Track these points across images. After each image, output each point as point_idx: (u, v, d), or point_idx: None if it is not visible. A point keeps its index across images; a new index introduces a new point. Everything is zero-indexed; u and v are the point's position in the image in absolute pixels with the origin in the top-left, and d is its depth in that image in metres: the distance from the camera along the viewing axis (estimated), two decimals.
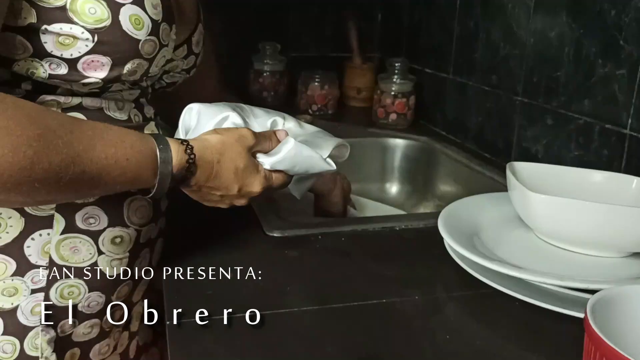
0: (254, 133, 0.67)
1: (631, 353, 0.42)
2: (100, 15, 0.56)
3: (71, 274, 0.62)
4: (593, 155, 0.90)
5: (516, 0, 1.07)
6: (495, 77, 1.14)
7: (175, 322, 0.58)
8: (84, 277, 0.63)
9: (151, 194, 0.60)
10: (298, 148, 0.69)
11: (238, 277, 0.67)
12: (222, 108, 0.70)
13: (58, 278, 0.62)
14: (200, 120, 0.69)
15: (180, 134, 0.70)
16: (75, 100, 0.61)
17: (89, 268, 0.63)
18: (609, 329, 0.46)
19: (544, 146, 1.01)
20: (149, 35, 0.60)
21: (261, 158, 0.68)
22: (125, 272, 0.67)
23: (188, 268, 0.69)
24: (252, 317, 0.59)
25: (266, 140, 0.69)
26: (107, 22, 0.57)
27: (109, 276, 0.65)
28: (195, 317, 0.59)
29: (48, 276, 0.61)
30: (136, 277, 0.69)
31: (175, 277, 0.67)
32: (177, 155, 0.59)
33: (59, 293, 0.62)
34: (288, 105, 1.45)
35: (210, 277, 0.67)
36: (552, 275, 0.61)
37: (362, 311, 0.62)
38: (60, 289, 0.62)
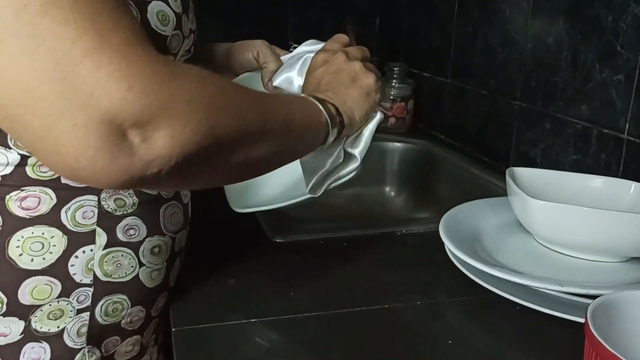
0: (325, 48, 0.76)
1: (631, 358, 0.43)
2: None
3: (114, 290, 0.60)
4: (591, 159, 0.91)
5: (514, 5, 1.08)
6: (494, 81, 1.15)
7: (180, 328, 0.59)
8: (127, 292, 0.61)
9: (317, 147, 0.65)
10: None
11: (242, 283, 0.68)
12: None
13: (103, 295, 0.60)
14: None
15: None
16: None
17: (132, 281, 0.61)
18: (609, 333, 0.46)
19: (542, 150, 1.02)
20: (174, 29, 0.58)
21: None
22: (162, 283, 0.65)
23: (192, 274, 0.69)
24: (254, 324, 0.60)
25: (336, 42, 0.77)
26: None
27: (150, 288, 0.63)
28: (200, 324, 0.59)
29: (93, 294, 0.59)
30: (170, 288, 0.67)
31: (180, 284, 0.68)
32: (329, 110, 0.64)
33: (103, 311, 0.60)
34: None
35: (214, 283, 0.68)
36: (553, 281, 0.62)
37: (365, 316, 0.62)
38: (104, 306, 0.60)
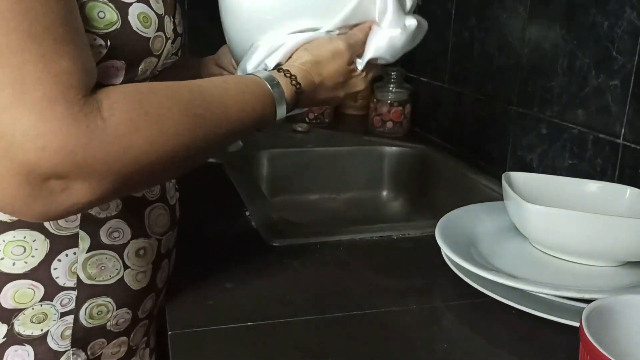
0: (348, 43, 0.70)
1: None
2: (110, 18, 0.54)
3: (98, 293, 0.60)
4: (587, 164, 0.91)
5: (511, 11, 1.08)
6: (490, 86, 1.16)
7: (176, 332, 0.59)
8: (112, 294, 0.61)
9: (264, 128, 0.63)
10: (382, 38, 0.72)
11: (238, 286, 0.68)
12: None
13: (87, 298, 0.59)
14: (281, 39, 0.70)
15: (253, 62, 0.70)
16: None
17: (116, 284, 0.61)
18: (604, 338, 0.47)
19: (538, 155, 1.02)
20: (157, 31, 0.58)
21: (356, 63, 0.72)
22: (149, 285, 0.65)
23: (189, 277, 0.69)
24: (251, 327, 0.60)
25: (358, 44, 0.72)
26: (118, 25, 0.54)
27: (135, 290, 0.63)
28: (196, 327, 0.59)
29: (77, 297, 0.59)
30: (158, 289, 0.67)
31: (176, 287, 0.68)
32: (287, 89, 0.63)
33: (88, 314, 0.60)
34: None
35: (210, 286, 0.68)
36: (548, 285, 0.62)
37: (361, 321, 0.62)
38: (89, 309, 0.60)
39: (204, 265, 0.73)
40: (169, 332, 0.59)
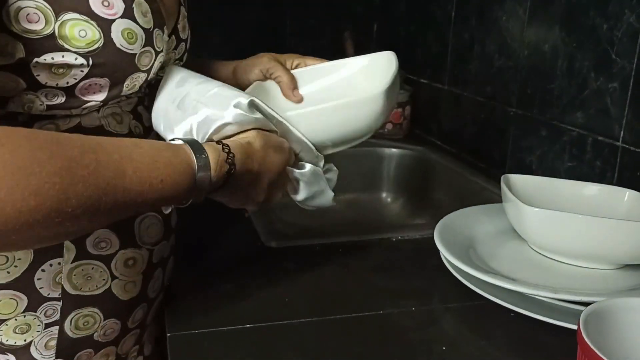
0: (291, 148, 0.63)
1: None
2: (92, 36, 0.52)
3: (85, 303, 0.59)
4: (586, 166, 0.92)
5: (510, 13, 1.09)
6: (490, 88, 1.16)
7: (175, 334, 0.59)
8: (99, 305, 0.60)
9: (184, 205, 0.55)
10: (322, 184, 0.67)
11: (237, 288, 0.68)
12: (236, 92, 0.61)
13: (72, 309, 0.58)
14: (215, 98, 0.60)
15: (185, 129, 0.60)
16: (74, 121, 0.57)
17: (104, 294, 0.60)
18: (602, 341, 0.47)
19: (538, 157, 1.02)
20: (144, 47, 0.56)
21: (289, 169, 0.64)
22: (139, 295, 0.64)
23: (188, 279, 0.69)
24: (250, 329, 0.60)
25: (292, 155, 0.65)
26: (100, 43, 0.52)
27: (124, 301, 0.62)
28: (195, 329, 0.59)
29: (62, 308, 0.58)
30: (150, 299, 0.66)
31: (176, 289, 0.68)
32: (215, 162, 0.53)
33: (74, 324, 0.59)
34: None
35: (209, 289, 0.68)
36: (546, 288, 0.62)
37: (359, 323, 0.62)
38: (75, 319, 0.59)
39: (204, 267, 0.73)
40: (168, 335, 0.59)
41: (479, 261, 0.70)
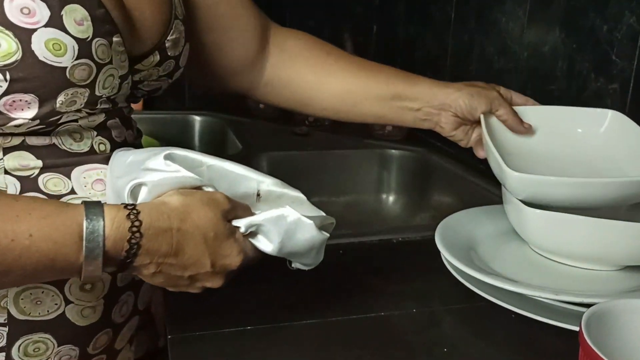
0: (229, 198, 0.53)
1: None
2: (7, 48, 0.47)
3: (34, 329, 0.55)
4: None
5: (510, 14, 1.09)
6: None
7: (176, 336, 0.59)
8: (52, 331, 0.56)
9: (82, 278, 0.47)
10: (285, 210, 0.54)
11: (237, 290, 0.68)
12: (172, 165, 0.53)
13: (20, 334, 0.54)
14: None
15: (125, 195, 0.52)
16: (16, 140, 0.53)
17: (56, 320, 0.56)
18: (604, 342, 0.47)
19: None
20: (77, 59, 0.50)
21: (235, 221, 0.54)
22: (101, 321, 0.59)
23: None
24: (251, 331, 0.60)
25: (244, 210, 0.55)
26: (18, 56, 0.47)
27: (82, 327, 0.58)
28: (195, 331, 0.59)
29: (8, 334, 0.54)
30: (117, 324, 0.62)
31: (175, 292, 0.68)
32: (113, 223, 0.46)
33: (22, 351, 0.55)
34: (285, 116, 1.46)
35: (209, 290, 0.67)
36: (547, 289, 0.62)
37: (361, 324, 0.62)
38: (23, 346, 0.55)
39: None
40: (168, 336, 0.59)
41: (480, 262, 0.70)
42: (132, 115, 0.68)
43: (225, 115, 1.47)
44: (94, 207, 0.47)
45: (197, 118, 1.51)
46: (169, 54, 0.64)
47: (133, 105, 0.69)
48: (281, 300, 0.66)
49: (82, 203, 0.48)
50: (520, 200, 0.70)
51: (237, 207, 0.53)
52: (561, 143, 0.80)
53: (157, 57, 0.63)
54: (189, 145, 1.50)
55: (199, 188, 0.53)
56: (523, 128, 0.79)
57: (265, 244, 0.55)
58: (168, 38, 0.63)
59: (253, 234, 0.54)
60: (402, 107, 0.82)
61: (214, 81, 0.82)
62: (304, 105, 0.84)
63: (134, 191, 0.51)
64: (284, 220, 0.53)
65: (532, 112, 0.82)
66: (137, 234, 0.47)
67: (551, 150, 0.79)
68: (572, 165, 0.76)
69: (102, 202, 0.49)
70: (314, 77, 0.81)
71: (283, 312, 0.64)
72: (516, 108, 0.81)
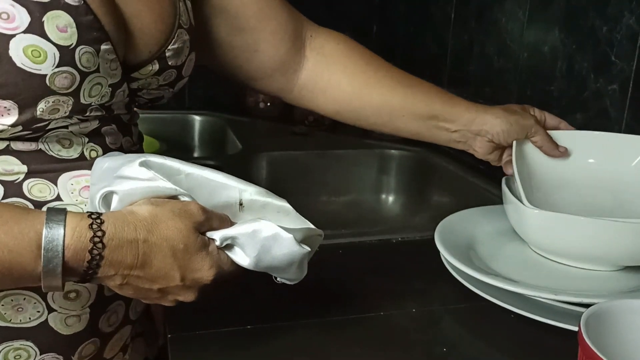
0: (204, 209, 0.50)
1: None
2: None
3: (16, 336, 0.54)
4: None
5: (510, 14, 1.09)
6: (489, 89, 1.16)
7: (175, 335, 0.59)
8: (33, 338, 0.54)
9: (42, 288, 0.46)
10: (261, 224, 0.51)
11: (238, 289, 0.68)
12: (147, 172, 0.50)
13: (1, 341, 0.53)
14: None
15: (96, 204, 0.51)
16: (0, 145, 0.52)
17: (39, 327, 0.54)
18: (603, 342, 0.47)
19: None
20: (58, 66, 0.49)
21: (210, 233, 0.51)
22: (87, 330, 0.57)
23: None
24: (250, 331, 0.60)
25: (221, 221, 0.52)
26: None
27: (66, 335, 0.56)
28: (196, 330, 0.59)
29: None
30: (105, 333, 0.60)
31: None
32: (74, 233, 0.44)
33: (3, 358, 0.54)
34: (284, 116, 1.46)
35: (210, 289, 0.67)
36: (547, 289, 0.62)
37: (359, 324, 0.62)
38: (4, 353, 0.54)
39: None
40: (168, 336, 0.59)
41: (479, 262, 0.70)
42: None
43: (225, 115, 1.47)
44: (56, 215, 0.45)
45: (197, 118, 1.51)
46: (170, 63, 0.62)
47: None
48: (281, 300, 0.66)
49: (46, 210, 0.46)
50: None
51: (212, 219, 0.51)
52: (592, 169, 0.80)
53: (156, 66, 0.61)
54: (189, 145, 1.50)
55: (174, 198, 0.50)
56: (559, 152, 0.80)
57: (242, 258, 0.52)
58: (169, 47, 0.61)
59: (229, 247, 0.52)
60: (439, 127, 0.82)
61: (247, 82, 0.81)
62: (338, 114, 0.83)
63: (106, 199, 0.49)
64: (259, 234, 0.51)
65: (564, 137, 0.82)
66: (100, 244, 0.45)
67: (580, 179, 0.80)
68: (601, 193, 0.77)
69: (67, 210, 0.47)
70: (350, 87, 0.80)
71: (283, 312, 0.64)
72: (550, 132, 0.82)
